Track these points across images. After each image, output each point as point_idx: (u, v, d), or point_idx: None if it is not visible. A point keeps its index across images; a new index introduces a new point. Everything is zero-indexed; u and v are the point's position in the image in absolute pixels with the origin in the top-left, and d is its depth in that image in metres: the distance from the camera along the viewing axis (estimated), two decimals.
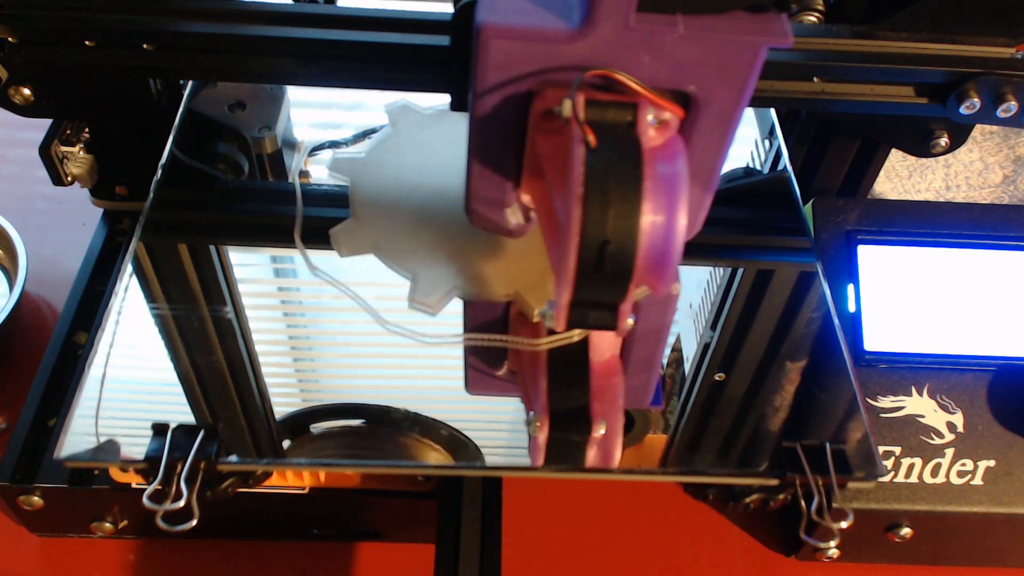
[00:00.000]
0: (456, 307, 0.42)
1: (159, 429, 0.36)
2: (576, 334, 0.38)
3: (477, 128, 0.34)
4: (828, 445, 0.37)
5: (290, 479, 0.43)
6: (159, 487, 0.34)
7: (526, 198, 0.37)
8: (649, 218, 0.29)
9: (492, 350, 0.41)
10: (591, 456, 0.36)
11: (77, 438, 0.36)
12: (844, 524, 0.35)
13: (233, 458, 0.36)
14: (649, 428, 0.41)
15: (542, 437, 0.36)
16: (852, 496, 0.44)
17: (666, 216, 0.29)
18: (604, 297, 0.31)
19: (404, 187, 0.46)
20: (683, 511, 0.51)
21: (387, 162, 0.47)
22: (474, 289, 0.41)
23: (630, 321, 0.32)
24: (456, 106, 0.42)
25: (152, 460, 0.35)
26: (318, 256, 0.44)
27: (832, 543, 0.34)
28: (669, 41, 0.30)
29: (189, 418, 0.40)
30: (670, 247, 0.29)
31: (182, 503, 0.34)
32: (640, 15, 0.30)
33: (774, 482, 0.37)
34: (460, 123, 0.49)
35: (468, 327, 0.42)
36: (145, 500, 0.34)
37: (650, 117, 0.31)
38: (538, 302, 0.40)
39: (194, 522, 0.34)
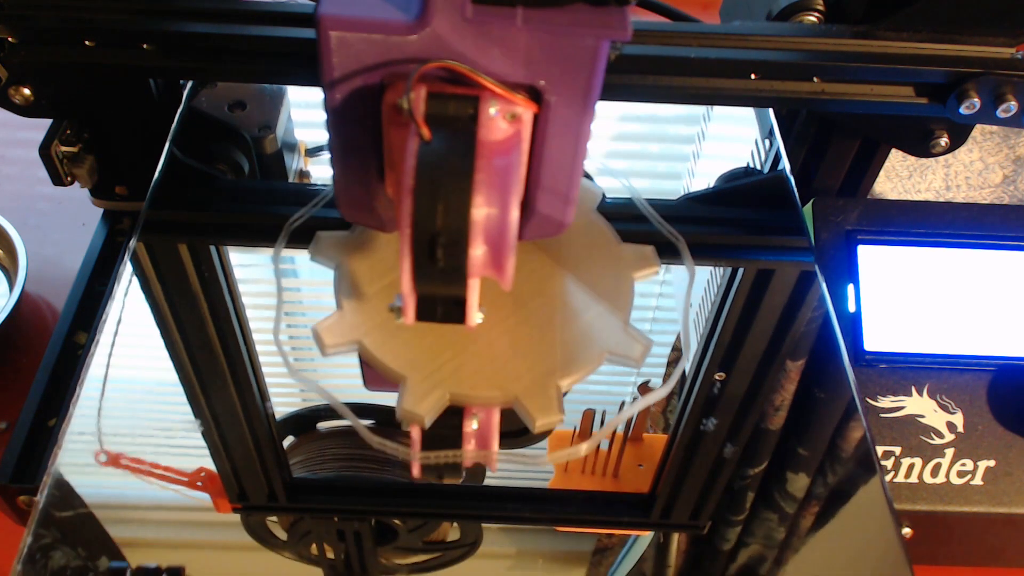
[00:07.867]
0: None
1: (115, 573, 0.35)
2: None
3: (333, 121, 0.33)
4: None
5: None
6: None
7: (391, 191, 0.36)
8: (482, 211, 0.29)
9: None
10: (468, 452, 0.36)
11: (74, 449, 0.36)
12: None
13: None
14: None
15: (415, 439, 0.36)
16: None
17: (499, 208, 0.29)
18: (446, 290, 0.31)
19: (395, 271, 0.40)
20: None
21: (375, 242, 0.42)
22: (468, 392, 0.37)
23: (479, 315, 0.32)
24: None
25: None
26: (301, 254, 0.43)
27: None
28: (510, 34, 0.30)
29: (187, 413, 0.40)
30: (505, 239, 0.29)
31: None
32: (478, 7, 0.29)
33: None
34: None
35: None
36: None
37: (493, 110, 0.30)
38: (540, 411, 0.36)
39: None
